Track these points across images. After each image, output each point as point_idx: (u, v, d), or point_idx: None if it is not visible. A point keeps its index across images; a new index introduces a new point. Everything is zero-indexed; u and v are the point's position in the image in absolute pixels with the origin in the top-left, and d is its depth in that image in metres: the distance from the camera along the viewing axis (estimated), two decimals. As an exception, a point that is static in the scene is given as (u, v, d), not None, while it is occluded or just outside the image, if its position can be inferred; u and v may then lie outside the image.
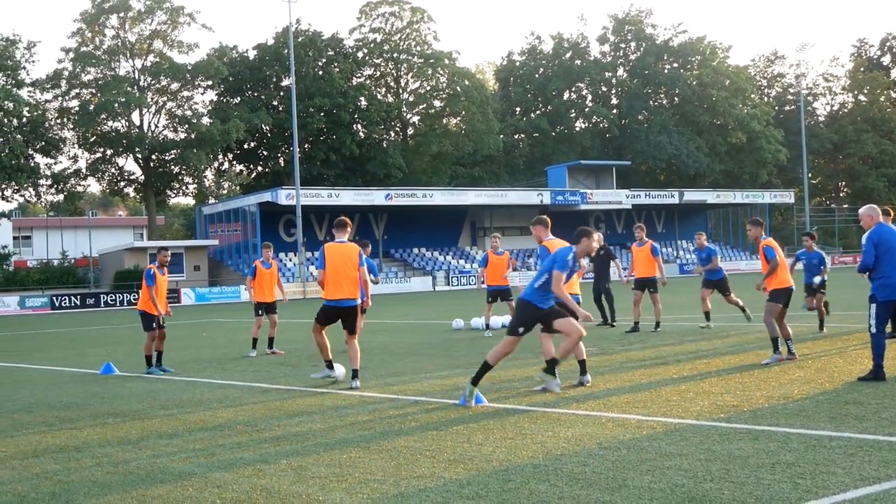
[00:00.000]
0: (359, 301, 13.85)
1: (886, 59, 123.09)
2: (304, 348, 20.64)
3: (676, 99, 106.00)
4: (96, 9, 78.93)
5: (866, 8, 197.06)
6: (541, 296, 11.60)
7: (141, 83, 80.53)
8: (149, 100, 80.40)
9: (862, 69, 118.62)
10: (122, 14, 79.62)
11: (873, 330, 11.98)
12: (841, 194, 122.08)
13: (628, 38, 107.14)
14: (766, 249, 14.63)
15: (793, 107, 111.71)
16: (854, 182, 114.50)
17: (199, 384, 15.09)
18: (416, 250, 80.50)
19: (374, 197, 72.49)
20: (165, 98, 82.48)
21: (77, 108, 78.97)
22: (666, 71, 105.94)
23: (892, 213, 15.28)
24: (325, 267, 13.63)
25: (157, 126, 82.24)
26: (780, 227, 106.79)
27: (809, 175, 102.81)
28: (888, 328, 14.23)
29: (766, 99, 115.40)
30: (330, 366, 14.23)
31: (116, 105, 76.72)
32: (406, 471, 7.89)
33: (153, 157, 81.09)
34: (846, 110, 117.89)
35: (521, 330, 11.58)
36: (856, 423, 9.00)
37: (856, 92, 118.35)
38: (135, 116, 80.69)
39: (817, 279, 18.84)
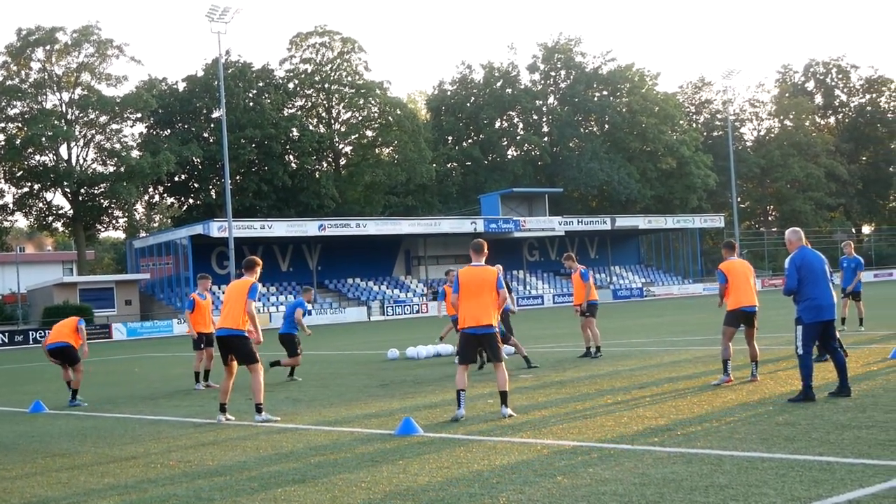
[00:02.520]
0: (241, 332, 13.58)
1: (810, 85, 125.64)
2: (236, 384, 20.43)
3: (607, 126, 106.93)
4: (22, 41, 77.90)
5: (790, 35, 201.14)
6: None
7: (69, 116, 79.55)
8: (77, 133, 79.38)
9: (787, 95, 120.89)
10: (48, 47, 78.65)
11: (800, 352, 12.14)
12: (770, 217, 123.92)
13: (558, 67, 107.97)
14: (718, 273, 15.09)
15: (721, 132, 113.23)
16: (782, 205, 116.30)
17: (131, 420, 14.89)
18: (350, 280, 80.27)
19: (308, 228, 72.20)
20: (94, 131, 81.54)
21: (3, 143, 77.80)
22: (596, 98, 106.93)
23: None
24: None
25: (85, 160, 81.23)
26: (710, 251, 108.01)
27: (738, 199, 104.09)
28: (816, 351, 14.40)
29: (694, 125, 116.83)
30: (222, 409, 13.92)
31: (44, 139, 75.66)
32: (342, 503, 7.83)
33: (82, 191, 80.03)
34: (773, 135, 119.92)
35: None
36: (787, 444, 9.10)
37: (781, 117, 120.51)
38: (63, 150, 79.63)
39: None
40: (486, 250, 12.88)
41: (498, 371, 12.51)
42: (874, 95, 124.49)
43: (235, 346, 13.70)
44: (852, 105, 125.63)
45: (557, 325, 25.48)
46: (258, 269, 14.03)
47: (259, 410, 13.51)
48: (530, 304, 79.13)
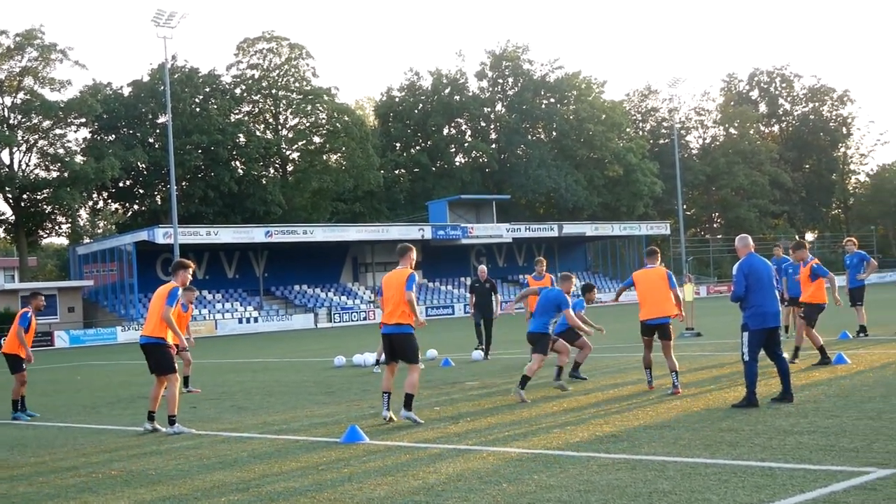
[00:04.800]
0: (163, 340, 13.26)
1: (755, 94, 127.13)
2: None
3: (554, 133, 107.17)
4: (-37, 45, 76.88)
5: (734, 44, 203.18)
6: None
7: (11, 121, 78.46)
8: (19, 138, 78.32)
9: (732, 103, 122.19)
10: (-10, 51, 77.67)
11: (746, 358, 12.23)
12: (715, 225, 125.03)
13: (506, 74, 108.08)
14: (628, 279, 15.15)
15: (667, 140, 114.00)
16: (727, 213, 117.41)
17: (72, 429, 14.69)
18: (297, 287, 79.92)
19: (254, 234, 71.74)
20: (37, 136, 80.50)
21: (-57, 148, 76.66)
22: (543, 106, 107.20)
23: (807, 247, 15.71)
24: None
25: (28, 165, 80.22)
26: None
27: (684, 206, 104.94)
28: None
29: (641, 133, 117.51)
30: (150, 418, 13.58)
31: (-15, 143, 74.67)
32: (285, 512, 7.77)
33: (24, 196, 78.99)
34: (718, 143, 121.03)
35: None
36: (730, 450, 9.16)
37: (726, 125, 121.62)
38: (4, 155, 78.50)
39: None
40: (410, 255, 13.12)
41: (409, 373, 12.69)
42: (817, 104, 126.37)
43: (150, 353, 13.42)
44: (796, 114, 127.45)
45: (506, 332, 25.50)
46: (181, 273, 13.48)
47: (172, 422, 13.21)
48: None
